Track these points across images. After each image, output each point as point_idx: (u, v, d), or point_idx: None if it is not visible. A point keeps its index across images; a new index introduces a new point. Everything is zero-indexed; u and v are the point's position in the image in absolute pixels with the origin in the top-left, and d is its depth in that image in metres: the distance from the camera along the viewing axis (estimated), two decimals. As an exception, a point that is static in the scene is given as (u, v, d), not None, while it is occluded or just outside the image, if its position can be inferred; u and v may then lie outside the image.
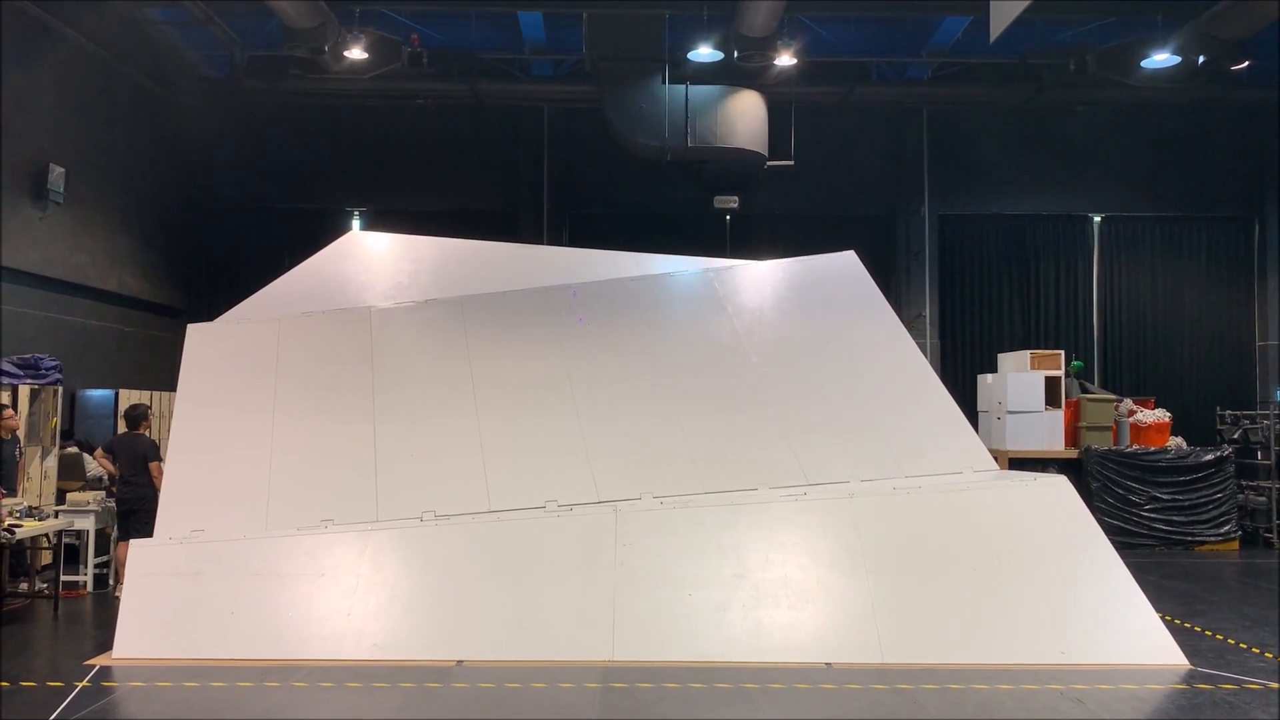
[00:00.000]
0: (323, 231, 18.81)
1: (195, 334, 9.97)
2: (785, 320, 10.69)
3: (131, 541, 8.77)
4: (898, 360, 10.52)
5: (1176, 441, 15.21)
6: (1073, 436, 15.17)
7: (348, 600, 8.23)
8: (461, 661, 7.90)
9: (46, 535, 10.36)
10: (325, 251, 11.12)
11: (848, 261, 11.29)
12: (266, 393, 9.54)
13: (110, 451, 11.00)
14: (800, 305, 10.86)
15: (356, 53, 15.00)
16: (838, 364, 10.33)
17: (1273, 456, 15.33)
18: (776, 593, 8.33)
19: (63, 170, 13.69)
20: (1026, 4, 10.96)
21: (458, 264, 11.05)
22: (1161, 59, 15.09)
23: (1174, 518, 14.52)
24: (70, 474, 12.49)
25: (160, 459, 10.76)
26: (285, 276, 10.80)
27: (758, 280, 11.12)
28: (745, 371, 10.11)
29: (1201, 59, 14.81)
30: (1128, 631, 8.24)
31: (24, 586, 10.69)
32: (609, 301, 10.63)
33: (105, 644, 8.31)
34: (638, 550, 8.52)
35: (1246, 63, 15.05)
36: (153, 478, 10.60)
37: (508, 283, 10.73)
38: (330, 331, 10.05)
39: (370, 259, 11.07)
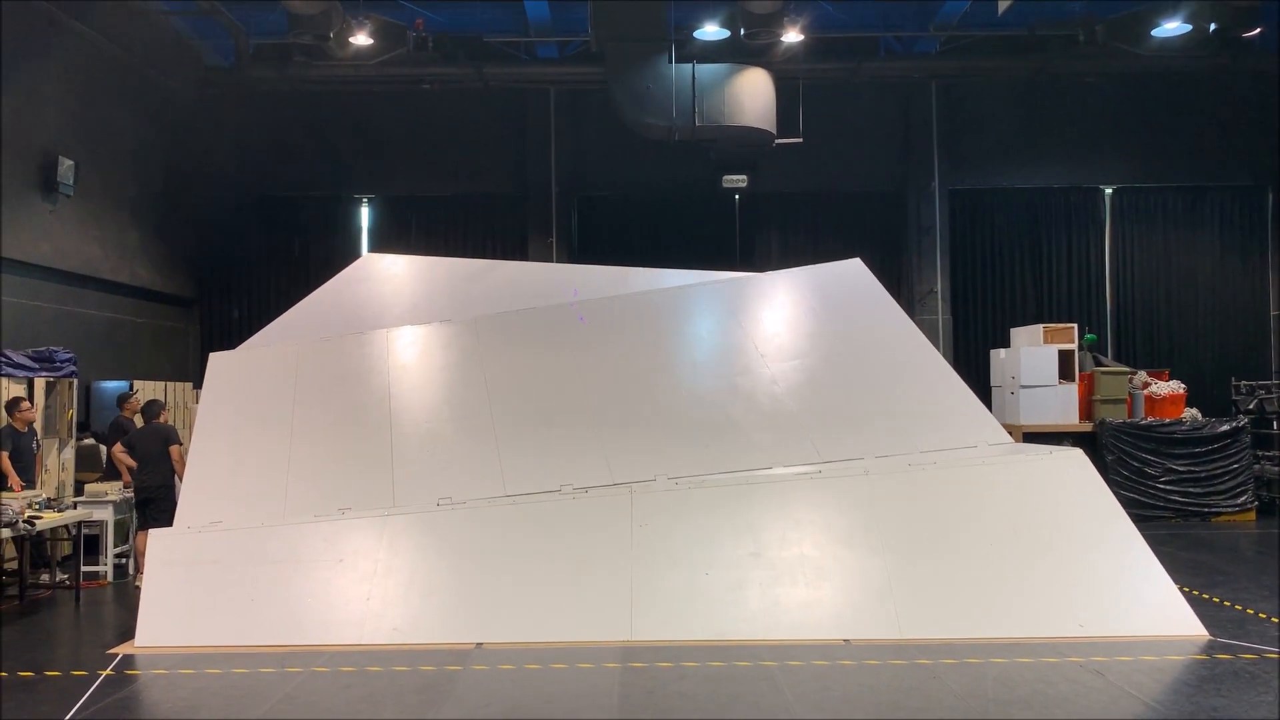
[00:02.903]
0: (332, 219, 18.96)
1: (217, 361, 10.17)
2: (795, 321, 10.77)
3: (150, 531, 8.82)
4: (907, 349, 10.55)
5: (1191, 413, 15.15)
6: (1087, 410, 15.13)
7: (367, 585, 8.27)
8: (481, 644, 7.94)
9: (66, 526, 10.42)
10: (341, 275, 11.35)
11: (854, 268, 11.33)
12: (286, 403, 9.68)
13: (130, 446, 11.03)
14: (809, 309, 10.91)
15: (361, 39, 14.97)
16: (848, 354, 10.39)
17: (1289, 426, 15.27)
18: (793, 570, 8.34)
19: (72, 163, 13.72)
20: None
21: (472, 284, 11.22)
22: (1172, 27, 14.95)
23: (1190, 489, 14.48)
24: (88, 465, 12.57)
25: (180, 443, 10.91)
26: (302, 303, 11.03)
27: (765, 289, 11.17)
28: (756, 367, 10.17)
29: (1212, 26, 14.66)
30: (1146, 603, 8.23)
31: (45, 578, 10.79)
32: (620, 314, 10.70)
33: (127, 633, 8.37)
34: (653, 531, 8.54)
35: (1258, 29, 14.89)
36: (173, 462, 10.69)
37: (523, 301, 10.83)
38: (348, 352, 10.21)
39: (385, 282, 11.24)
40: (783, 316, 10.81)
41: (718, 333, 10.57)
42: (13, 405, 10.80)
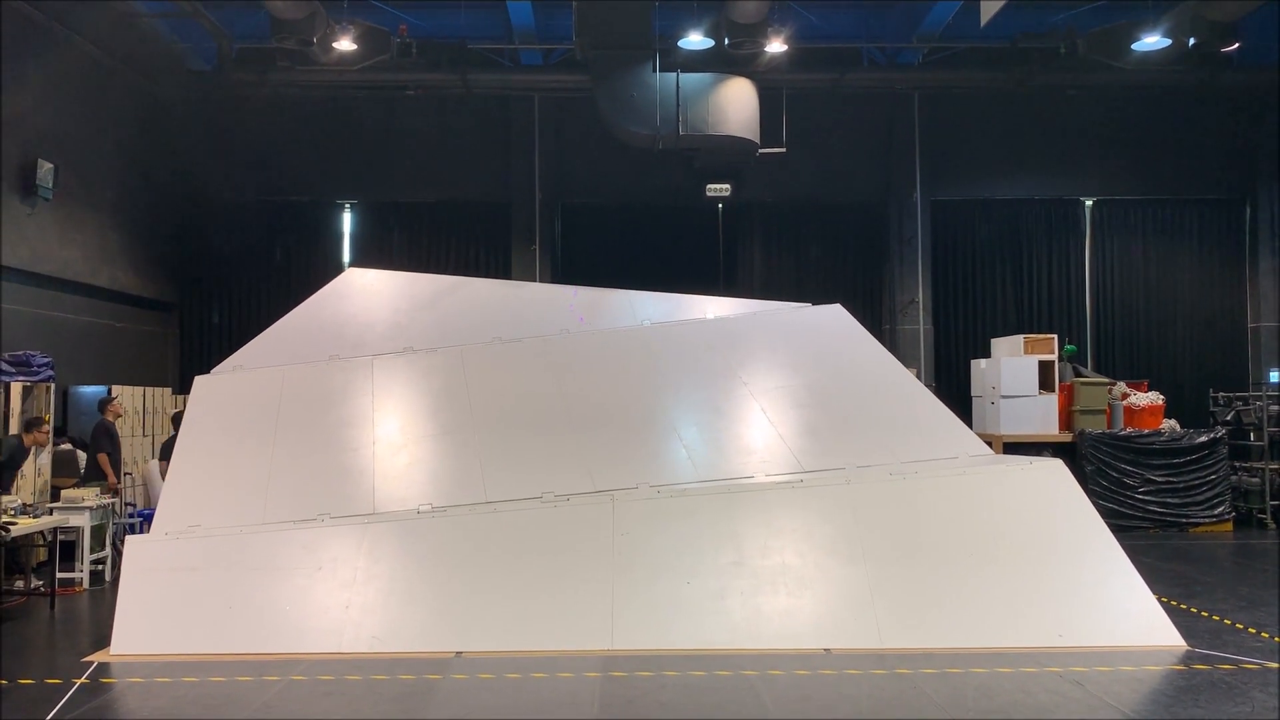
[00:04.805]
0: (314, 224, 18.89)
1: (202, 383, 10.13)
2: (777, 354, 10.74)
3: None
4: (888, 376, 10.59)
5: (1170, 424, 15.25)
6: (1067, 420, 15.20)
7: (346, 593, 8.22)
8: (460, 653, 7.90)
9: (41, 533, 10.32)
10: (323, 292, 11.25)
11: (836, 313, 11.31)
12: (270, 419, 9.65)
13: (166, 459, 10.98)
14: (791, 343, 10.91)
15: (345, 44, 14.94)
16: (830, 380, 10.40)
17: (1266, 438, 15.39)
18: (775, 579, 8.34)
19: (51, 166, 13.62)
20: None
21: (455, 302, 11.17)
22: (1152, 41, 15.08)
23: (1168, 500, 14.57)
24: (64, 471, 12.46)
25: None
26: (284, 319, 10.93)
27: (747, 329, 11.10)
28: (738, 390, 10.17)
29: (1192, 41, 14.80)
30: (1125, 613, 8.27)
31: (20, 584, 10.66)
32: (603, 348, 10.66)
33: (103, 640, 8.29)
34: (635, 539, 8.52)
35: (1236, 44, 15.04)
36: None
37: (505, 319, 10.84)
38: (333, 375, 10.18)
39: (368, 299, 11.17)
40: (765, 349, 10.79)
41: (701, 363, 10.52)
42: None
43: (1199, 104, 18.34)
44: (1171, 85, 17.34)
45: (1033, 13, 16.08)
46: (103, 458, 11.90)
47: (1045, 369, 15.05)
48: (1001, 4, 13.12)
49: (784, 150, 17.49)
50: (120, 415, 12.68)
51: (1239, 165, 18.77)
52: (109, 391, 13.65)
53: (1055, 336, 15.67)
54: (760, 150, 16.92)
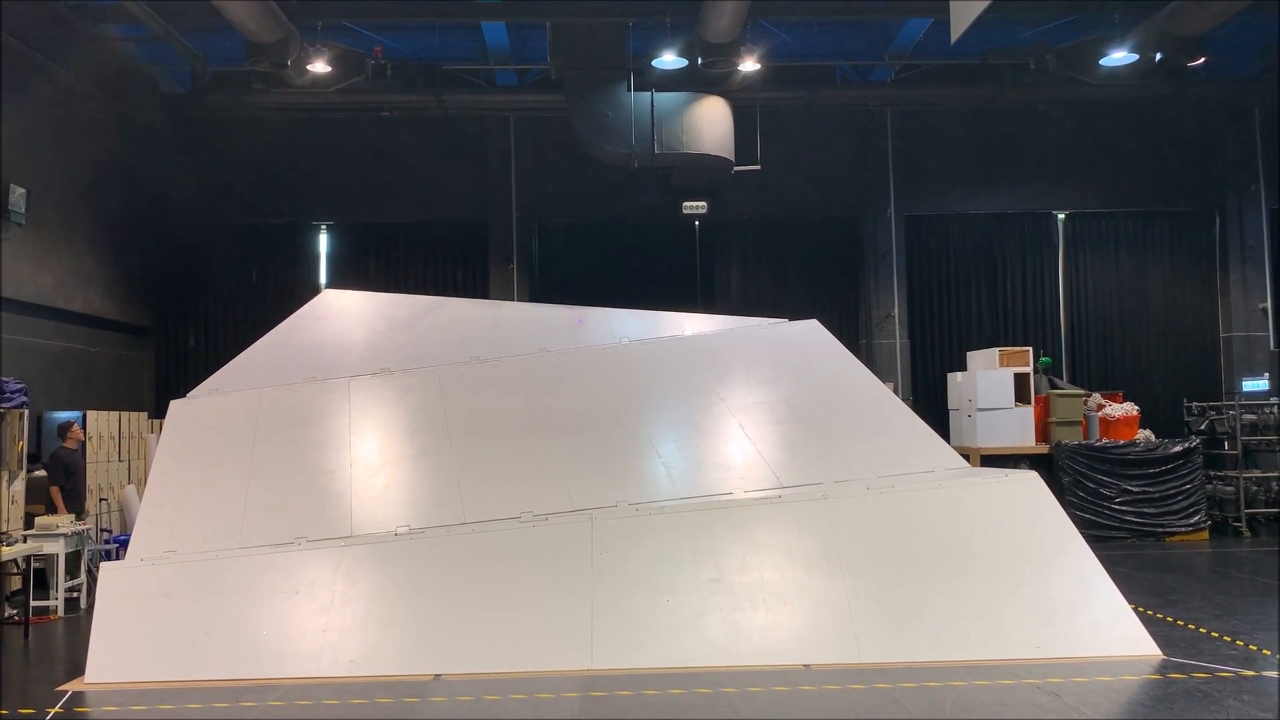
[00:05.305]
0: (290, 246, 18.83)
1: (177, 408, 10.09)
2: (754, 370, 10.79)
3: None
4: (864, 391, 10.67)
5: (1145, 434, 15.39)
6: (1043, 432, 15.32)
7: (323, 617, 8.17)
8: (439, 675, 7.87)
9: (15, 560, 10.22)
10: (299, 314, 11.22)
11: (812, 328, 11.37)
12: (246, 443, 9.63)
13: None
14: (767, 359, 10.96)
15: (320, 66, 14.93)
16: (807, 394, 10.46)
17: (1239, 446, 15.55)
18: (753, 595, 8.35)
19: (24, 191, 13.53)
20: (986, 4, 11.05)
21: (432, 323, 11.18)
22: (1119, 56, 15.26)
23: (1144, 510, 14.69)
24: (38, 497, 12.34)
25: None
26: (260, 342, 10.90)
27: (724, 345, 11.14)
28: (715, 406, 10.22)
29: (1159, 56, 14.99)
30: (1101, 624, 8.33)
31: (-7, 613, 10.57)
32: (582, 365, 10.69)
33: (78, 669, 8.20)
34: (614, 557, 8.52)
35: (1203, 59, 15.25)
36: None
37: (483, 338, 10.86)
38: (310, 398, 10.16)
39: (344, 320, 11.16)
40: (742, 366, 10.83)
41: (679, 380, 10.56)
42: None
43: (1167, 117, 18.57)
44: (1140, 99, 17.56)
45: (1002, 29, 16.24)
46: (54, 491, 11.75)
47: (1021, 381, 15.17)
48: (971, 20, 13.24)
49: (759, 168, 17.58)
50: (81, 440, 12.55)
51: (1208, 177, 18.99)
52: (83, 417, 13.54)
53: (1030, 349, 15.82)
54: (735, 168, 17.01)
